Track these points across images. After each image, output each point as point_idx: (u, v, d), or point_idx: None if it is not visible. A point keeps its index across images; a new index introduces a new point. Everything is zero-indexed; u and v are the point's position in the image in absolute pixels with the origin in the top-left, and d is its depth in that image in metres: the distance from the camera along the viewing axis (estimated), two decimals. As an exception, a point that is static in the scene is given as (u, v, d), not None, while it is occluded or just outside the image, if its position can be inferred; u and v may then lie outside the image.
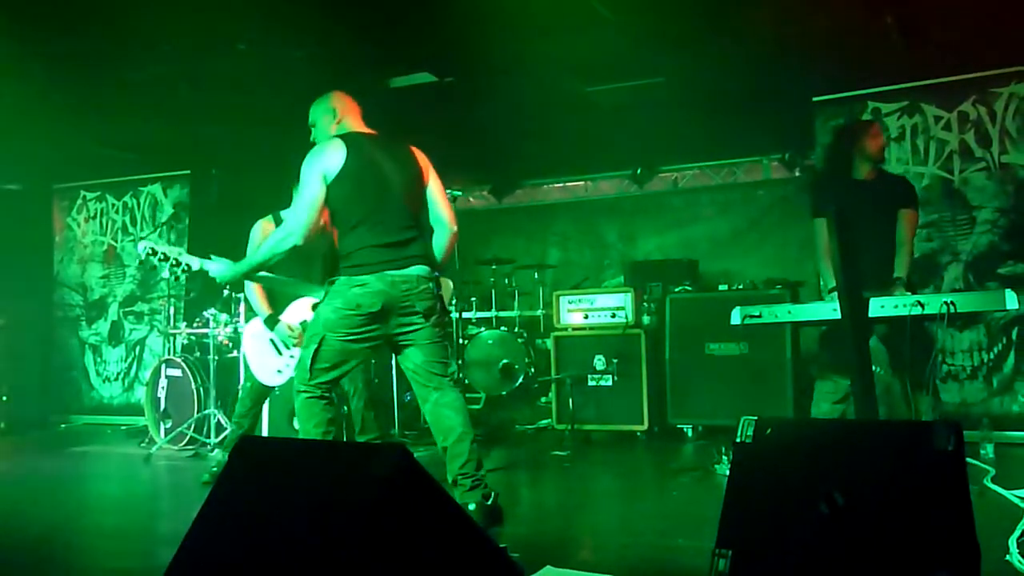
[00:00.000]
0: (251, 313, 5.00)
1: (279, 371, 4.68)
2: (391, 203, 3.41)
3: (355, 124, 3.58)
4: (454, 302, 7.49)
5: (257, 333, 4.77)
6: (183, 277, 3.89)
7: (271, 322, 4.61)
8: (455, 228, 3.61)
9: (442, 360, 3.49)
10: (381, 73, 5.94)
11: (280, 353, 4.68)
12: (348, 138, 3.42)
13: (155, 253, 3.76)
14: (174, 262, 3.75)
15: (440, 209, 3.59)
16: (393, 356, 6.09)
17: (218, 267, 3.67)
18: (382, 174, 3.41)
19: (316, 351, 3.33)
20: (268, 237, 3.48)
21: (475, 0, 4.65)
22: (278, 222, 4.75)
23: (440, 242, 3.59)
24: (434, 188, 3.58)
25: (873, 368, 3.81)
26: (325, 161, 3.33)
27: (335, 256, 3.55)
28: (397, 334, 3.41)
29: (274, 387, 4.78)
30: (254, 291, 4.71)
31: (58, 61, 5.43)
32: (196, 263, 3.74)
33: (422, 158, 3.60)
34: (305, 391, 3.36)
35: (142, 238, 8.09)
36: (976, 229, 5.59)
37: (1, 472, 5.78)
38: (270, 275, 3.84)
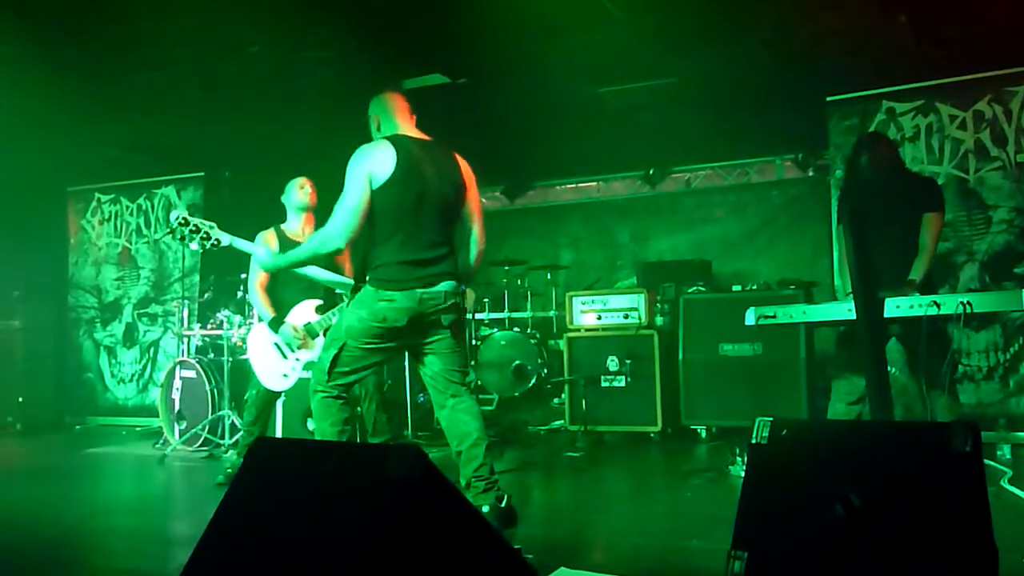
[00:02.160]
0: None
1: (285, 375, 4.68)
2: (429, 217, 3.36)
3: (406, 126, 3.52)
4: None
5: (261, 338, 4.77)
6: (203, 246, 3.69)
7: (275, 325, 4.62)
8: (483, 246, 3.61)
9: (460, 368, 3.51)
10: (393, 75, 5.94)
11: (285, 357, 4.68)
12: (398, 142, 3.35)
13: (187, 223, 3.67)
14: (204, 235, 3.67)
15: (474, 224, 3.57)
16: (407, 358, 6.16)
17: (261, 252, 3.67)
18: (426, 186, 3.34)
19: (336, 356, 3.33)
20: (311, 237, 3.43)
21: (487, 1, 4.66)
22: (280, 235, 4.78)
23: (469, 256, 3.57)
24: (472, 202, 3.56)
25: (889, 369, 3.79)
26: (373, 164, 3.27)
27: (364, 257, 3.50)
28: (419, 344, 3.44)
29: (280, 392, 4.77)
30: (258, 295, 4.71)
31: (71, 64, 5.46)
32: (227, 239, 3.69)
33: (467, 171, 3.56)
34: (322, 391, 3.38)
35: (156, 240, 8.17)
36: (992, 229, 5.55)
37: (17, 473, 5.81)
38: (315, 272, 3.78)
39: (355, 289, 3.45)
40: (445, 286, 3.37)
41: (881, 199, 4.18)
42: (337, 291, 4.59)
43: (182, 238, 3.66)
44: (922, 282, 4.02)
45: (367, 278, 3.38)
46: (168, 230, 3.71)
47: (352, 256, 3.94)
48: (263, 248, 3.73)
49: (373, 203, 3.27)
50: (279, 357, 4.70)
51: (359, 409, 4.71)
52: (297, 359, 4.66)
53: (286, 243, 4.63)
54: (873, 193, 4.22)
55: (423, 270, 3.33)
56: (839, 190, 5.89)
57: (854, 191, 4.38)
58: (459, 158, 3.57)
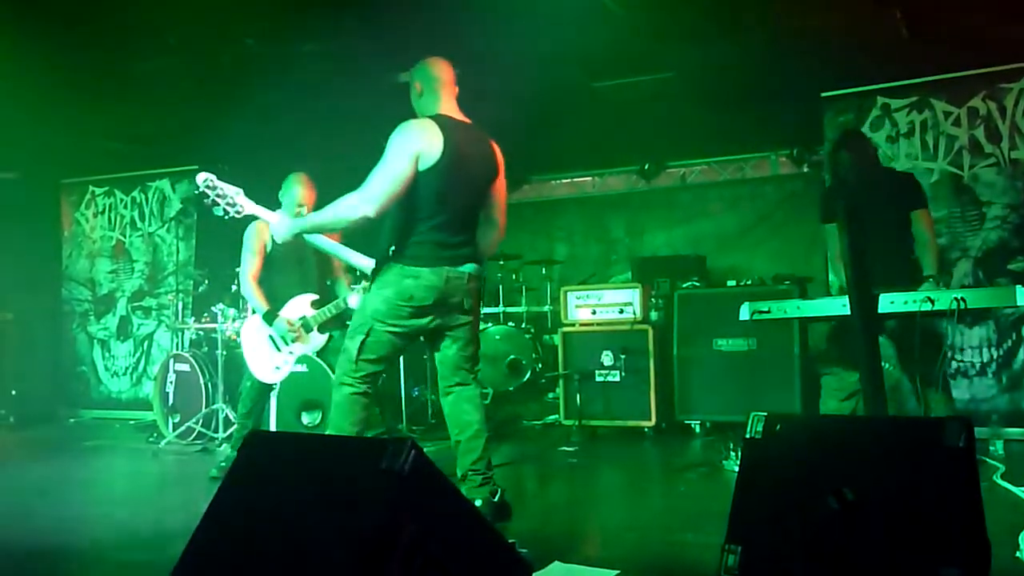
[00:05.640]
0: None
1: (277, 368, 4.68)
2: (463, 203, 3.34)
3: (449, 104, 3.42)
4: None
5: (255, 330, 4.77)
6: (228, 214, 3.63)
7: (269, 318, 4.61)
8: (502, 234, 3.54)
9: (472, 356, 3.50)
10: (388, 68, 5.93)
11: (279, 350, 4.68)
12: (444, 124, 3.27)
13: (214, 188, 3.59)
14: (230, 201, 3.60)
15: (496, 211, 3.51)
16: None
17: (279, 220, 3.54)
18: (467, 174, 3.31)
19: (363, 341, 3.26)
20: (340, 200, 3.22)
21: (483, -5, 4.65)
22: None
23: (487, 240, 3.51)
24: (499, 189, 3.51)
25: (883, 365, 3.80)
26: (422, 144, 3.18)
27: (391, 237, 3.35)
28: (441, 327, 3.38)
29: (273, 385, 4.76)
30: (251, 287, 4.69)
31: (66, 55, 5.44)
32: (250, 207, 3.63)
33: (500, 158, 3.50)
34: (349, 384, 3.29)
35: (150, 233, 8.15)
36: (986, 225, 5.56)
37: (10, 466, 5.80)
38: (328, 243, 3.70)
39: (376, 272, 3.34)
40: (469, 268, 3.35)
41: (865, 196, 4.20)
42: (353, 276, 4.53)
43: (211, 203, 3.58)
44: (938, 275, 4.04)
45: (391, 255, 3.28)
46: (195, 191, 3.62)
47: (381, 234, 3.81)
48: (279, 214, 3.62)
49: (417, 183, 3.19)
50: (272, 350, 4.69)
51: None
52: (291, 352, 4.66)
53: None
54: (857, 191, 4.23)
55: (451, 251, 3.30)
56: (825, 190, 5.92)
57: (842, 188, 4.40)
58: (494, 144, 3.51)
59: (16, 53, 5.24)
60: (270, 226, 3.60)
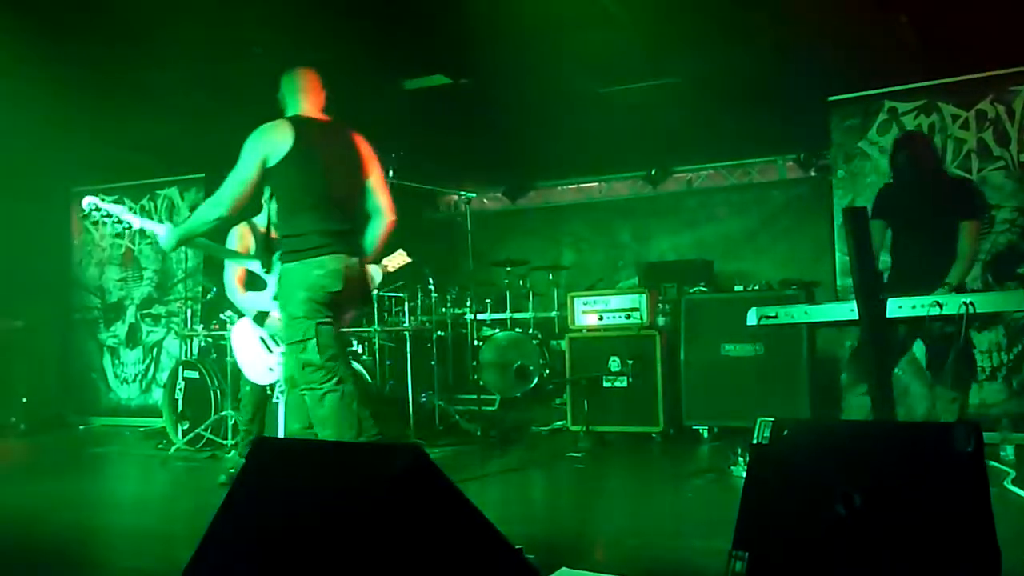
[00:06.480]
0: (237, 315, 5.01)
1: (271, 368, 4.68)
2: (334, 194, 3.55)
3: (309, 107, 3.69)
4: (468, 303, 7.51)
5: (246, 332, 4.76)
6: (128, 234, 3.94)
7: (260, 319, 4.62)
8: (393, 216, 3.75)
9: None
10: (395, 75, 5.95)
11: (271, 350, 4.67)
12: (297, 122, 3.55)
13: (99, 209, 3.82)
14: (116, 220, 3.81)
15: (379, 198, 3.73)
16: (408, 358, 6.17)
17: (162, 230, 3.74)
18: (326, 164, 3.55)
19: (317, 343, 3.42)
20: (200, 205, 3.61)
21: (489, 2, 4.66)
22: (253, 228, 4.77)
23: (377, 229, 3.73)
24: (374, 178, 3.73)
25: (895, 371, 3.79)
26: (268, 143, 3.48)
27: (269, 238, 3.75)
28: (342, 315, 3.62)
29: (268, 385, 4.78)
30: (237, 290, 4.70)
31: (76, 65, 5.48)
32: (138, 223, 3.82)
33: (365, 147, 3.72)
34: (331, 390, 3.43)
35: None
36: (995, 228, 5.54)
37: (20, 473, 5.82)
38: (207, 242, 3.92)
39: (282, 275, 3.56)
40: (356, 260, 3.56)
41: (918, 199, 4.19)
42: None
43: (95, 222, 3.87)
44: (958, 287, 4.02)
45: (283, 254, 3.53)
46: (82, 215, 3.90)
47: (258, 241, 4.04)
48: (162, 227, 3.77)
49: (276, 181, 3.51)
50: (264, 351, 4.68)
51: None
52: (283, 352, 4.65)
53: (260, 237, 4.63)
54: (910, 193, 4.23)
55: (338, 239, 3.50)
56: (837, 189, 5.92)
57: (891, 191, 4.41)
58: (358, 136, 3.73)
59: (27, 63, 5.28)
60: (159, 238, 3.76)
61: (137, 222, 3.80)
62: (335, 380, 3.43)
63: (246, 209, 3.57)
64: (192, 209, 7.93)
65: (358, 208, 3.69)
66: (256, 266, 3.88)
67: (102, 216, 3.79)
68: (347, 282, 3.48)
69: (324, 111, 3.76)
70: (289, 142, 3.46)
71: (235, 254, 4.30)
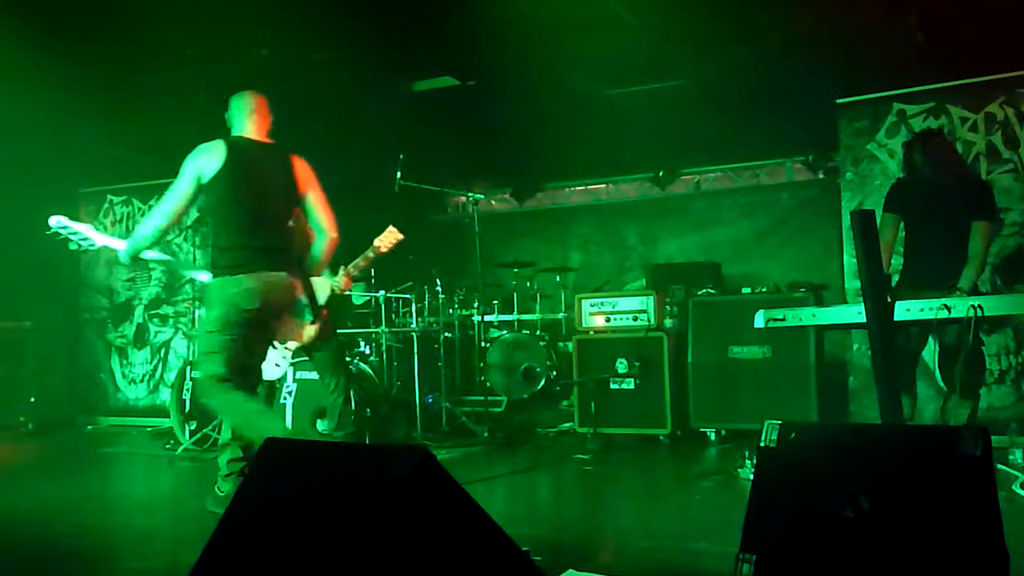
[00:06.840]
0: None
1: (277, 364, 4.70)
2: (264, 212, 3.70)
3: (253, 129, 3.83)
4: (476, 305, 7.51)
5: None
6: (89, 247, 4.06)
7: None
8: (335, 234, 3.91)
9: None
10: (404, 77, 5.96)
11: (275, 347, 4.68)
12: (232, 142, 3.73)
13: (65, 227, 3.99)
14: (82, 237, 3.97)
15: (320, 216, 3.88)
16: (416, 359, 6.17)
17: (122, 245, 3.88)
18: (257, 184, 3.69)
19: (223, 355, 3.56)
20: (142, 220, 3.93)
21: (497, 4, 4.66)
22: None
23: (320, 246, 3.90)
24: (313, 197, 3.87)
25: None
26: (201, 162, 3.65)
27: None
28: (271, 326, 3.77)
29: (274, 383, 4.80)
30: None
31: (83, 67, 5.50)
32: (100, 240, 3.99)
33: (302, 168, 3.87)
34: (221, 386, 3.59)
35: (168, 241, 8.19)
36: (1003, 231, 5.51)
37: (29, 472, 5.85)
38: (160, 255, 4.07)
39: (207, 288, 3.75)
40: (284, 275, 3.70)
41: (934, 196, 4.17)
42: None
43: (63, 239, 4.01)
44: (969, 291, 4.00)
45: (211, 267, 3.70)
46: (48, 232, 4.05)
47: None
48: (124, 242, 3.91)
49: (207, 197, 3.68)
50: (269, 347, 4.70)
51: (327, 402, 4.69)
52: (287, 348, 4.66)
53: None
54: (925, 190, 4.22)
55: (261, 256, 3.64)
56: (845, 191, 5.90)
57: (905, 187, 4.39)
58: (295, 158, 3.89)
59: (35, 65, 5.30)
60: (119, 253, 3.90)
61: (100, 240, 3.99)
62: (238, 391, 3.60)
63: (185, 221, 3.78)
64: (200, 210, 7.96)
65: (288, 226, 3.85)
66: (207, 276, 3.98)
67: (68, 234, 3.99)
68: (265, 298, 3.62)
69: (270, 135, 3.91)
70: (220, 161, 3.63)
71: (187, 265, 4.49)
